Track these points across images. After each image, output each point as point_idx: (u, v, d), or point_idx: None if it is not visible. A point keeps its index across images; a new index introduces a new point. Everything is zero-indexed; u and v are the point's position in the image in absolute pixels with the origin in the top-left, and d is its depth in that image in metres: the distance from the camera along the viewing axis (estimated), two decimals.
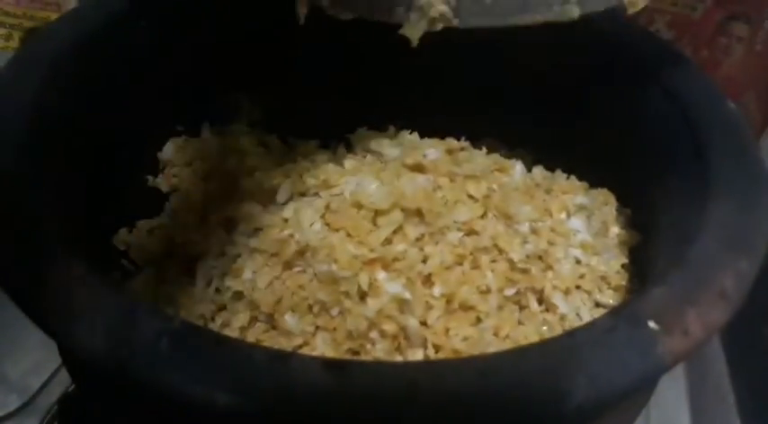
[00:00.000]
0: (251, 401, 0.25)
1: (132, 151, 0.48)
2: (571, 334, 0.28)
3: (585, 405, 0.26)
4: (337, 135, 0.55)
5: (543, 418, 0.26)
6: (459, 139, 0.50)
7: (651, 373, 0.27)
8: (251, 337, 0.39)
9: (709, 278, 0.30)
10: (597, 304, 0.43)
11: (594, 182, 0.49)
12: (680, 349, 0.27)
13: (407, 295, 0.38)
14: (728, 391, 0.60)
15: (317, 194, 0.42)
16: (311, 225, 0.40)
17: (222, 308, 0.41)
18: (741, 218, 0.34)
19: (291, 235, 0.39)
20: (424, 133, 0.52)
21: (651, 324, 0.28)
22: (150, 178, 0.50)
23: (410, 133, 0.51)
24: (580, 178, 0.49)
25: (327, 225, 0.40)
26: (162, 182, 0.50)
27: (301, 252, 0.39)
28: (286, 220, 0.41)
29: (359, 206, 0.40)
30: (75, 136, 0.42)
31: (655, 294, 0.29)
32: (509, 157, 0.50)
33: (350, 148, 0.52)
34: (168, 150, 0.51)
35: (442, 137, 0.50)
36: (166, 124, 0.52)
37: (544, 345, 0.28)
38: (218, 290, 0.41)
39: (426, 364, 0.31)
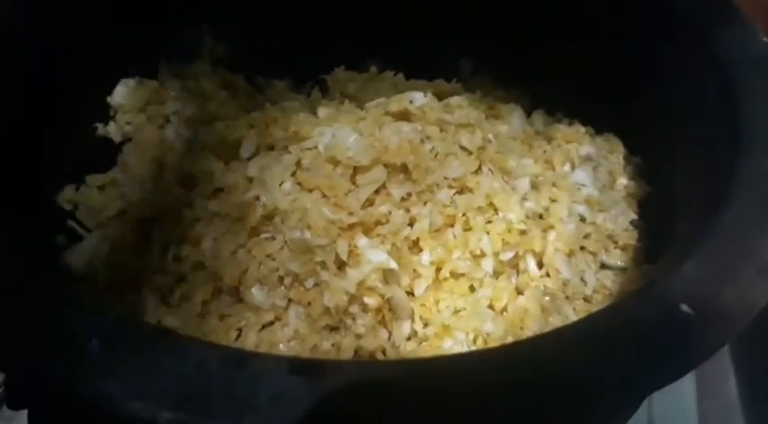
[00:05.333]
0: (201, 419, 0.20)
1: (78, 94, 0.42)
2: (589, 321, 0.24)
3: (601, 407, 0.22)
4: (312, 74, 0.49)
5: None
6: (449, 81, 0.45)
7: (682, 369, 0.23)
8: (215, 312, 0.34)
9: (748, 248, 0.26)
10: (603, 266, 0.39)
11: (599, 126, 0.44)
12: (717, 338, 0.23)
13: (392, 264, 0.33)
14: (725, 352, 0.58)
15: (286, 148, 0.37)
16: (280, 185, 0.35)
17: (182, 279, 0.36)
18: None
19: (257, 197, 0.34)
20: (410, 73, 0.47)
21: (684, 309, 0.23)
22: (100, 126, 0.44)
23: (394, 74, 0.45)
24: (584, 122, 0.44)
25: (299, 184, 0.35)
26: (113, 130, 0.44)
27: (269, 217, 0.34)
28: (250, 179, 0.35)
29: (335, 161, 0.35)
30: (9, 76, 0.35)
31: (686, 270, 0.25)
32: (505, 100, 0.45)
33: (326, 91, 0.47)
34: (119, 93, 0.45)
35: (430, 79, 0.45)
36: (117, 63, 0.46)
37: (558, 337, 0.23)
38: (176, 258, 0.36)
39: (408, 364, 0.27)
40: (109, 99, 0.45)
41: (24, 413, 0.39)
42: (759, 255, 0.26)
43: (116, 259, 0.38)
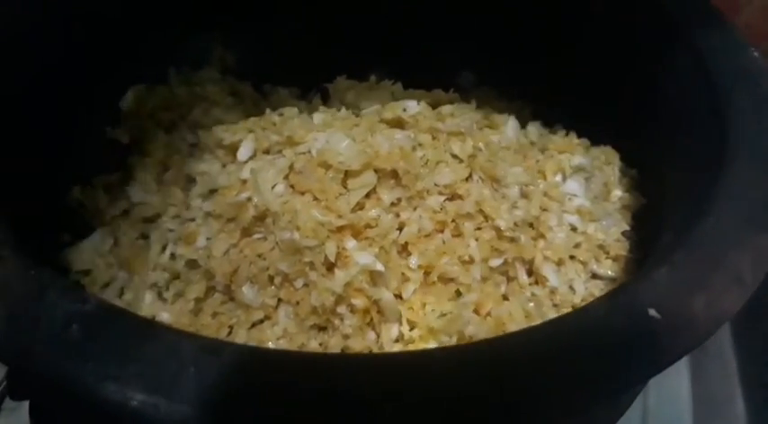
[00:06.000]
0: (171, 404, 0.21)
1: (89, 98, 0.43)
2: (556, 323, 0.24)
3: (565, 408, 0.22)
4: (316, 83, 0.50)
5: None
6: (447, 91, 0.45)
7: (646, 373, 0.23)
8: (207, 309, 0.35)
9: (722, 257, 0.26)
10: (594, 276, 0.39)
11: (598, 139, 0.44)
12: (684, 344, 0.23)
13: (379, 267, 0.34)
14: (731, 358, 0.57)
15: (281, 152, 0.37)
16: (273, 188, 0.35)
17: (177, 277, 0.37)
18: (762, 186, 0.29)
19: (249, 199, 0.35)
20: (411, 84, 0.48)
21: (652, 313, 0.24)
22: (109, 129, 0.46)
23: (392, 83, 0.46)
24: (583, 134, 0.45)
25: (291, 187, 0.36)
26: (122, 134, 0.46)
27: (261, 218, 0.35)
28: (244, 181, 0.36)
29: (326, 166, 0.36)
30: (25, 82, 0.37)
31: (657, 276, 0.25)
32: (504, 111, 0.45)
33: (328, 100, 0.48)
34: (129, 98, 0.46)
35: (430, 89, 0.46)
36: (128, 69, 0.47)
37: (523, 336, 0.23)
38: (173, 256, 0.37)
39: (383, 358, 0.27)
40: (119, 103, 0.46)
41: (26, 404, 0.41)
42: (732, 265, 0.26)
43: (117, 256, 0.39)
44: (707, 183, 0.31)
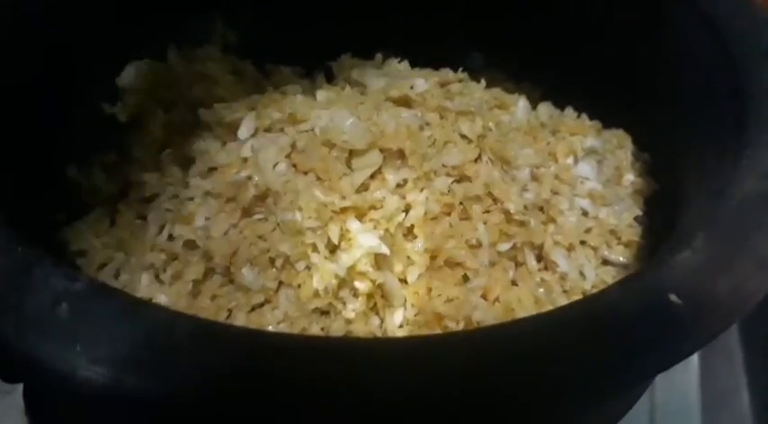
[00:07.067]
0: (165, 387, 0.20)
1: (87, 74, 0.42)
2: (570, 308, 0.23)
3: (581, 398, 0.21)
4: (321, 62, 0.49)
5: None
6: (456, 71, 0.44)
7: (668, 360, 0.22)
8: (206, 292, 0.34)
9: (745, 241, 0.25)
10: (605, 262, 0.38)
11: (610, 122, 0.43)
12: (708, 330, 0.22)
13: (384, 250, 0.33)
14: (737, 350, 0.56)
15: (282, 130, 0.36)
16: (274, 167, 0.34)
17: (175, 258, 0.35)
18: None
19: (250, 177, 0.34)
20: (418, 63, 0.46)
21: (672, 298, 0.22)
22: (107, 106, 0.44)
23: (399, 62, 0.45)
24: (594, 116, 0.43)
25: (293, 166, 0.34)
26: (120, 111, 0.44)
27: (261, 198, 0.33)
28: (245, 159, 0.35)
29: (330, 144, 0.34)
30: (21, 55, 0.36)
31: (678, 260, 0.24)
32: (514, 92, 0.44)
33: (332, 79, 0.46)
34: (128, 75, 0.45)
35: (437, 68, 0.44)
36: (127, 45, 0.46)
37: (533, 321, 0.22)
38: (171, 237, 0.36)
39: (386, 343, 0.26)
40: (117, 80, 0.45)
41: (20, 387, 0.40)
42: (757, 249, 0.25)
43: (113, 237, 0.38)
44: (727, 167, 0.30)
